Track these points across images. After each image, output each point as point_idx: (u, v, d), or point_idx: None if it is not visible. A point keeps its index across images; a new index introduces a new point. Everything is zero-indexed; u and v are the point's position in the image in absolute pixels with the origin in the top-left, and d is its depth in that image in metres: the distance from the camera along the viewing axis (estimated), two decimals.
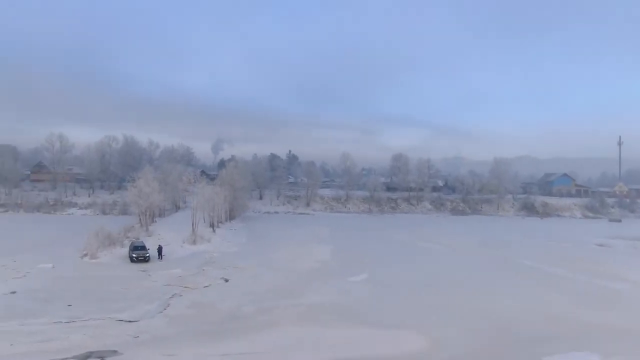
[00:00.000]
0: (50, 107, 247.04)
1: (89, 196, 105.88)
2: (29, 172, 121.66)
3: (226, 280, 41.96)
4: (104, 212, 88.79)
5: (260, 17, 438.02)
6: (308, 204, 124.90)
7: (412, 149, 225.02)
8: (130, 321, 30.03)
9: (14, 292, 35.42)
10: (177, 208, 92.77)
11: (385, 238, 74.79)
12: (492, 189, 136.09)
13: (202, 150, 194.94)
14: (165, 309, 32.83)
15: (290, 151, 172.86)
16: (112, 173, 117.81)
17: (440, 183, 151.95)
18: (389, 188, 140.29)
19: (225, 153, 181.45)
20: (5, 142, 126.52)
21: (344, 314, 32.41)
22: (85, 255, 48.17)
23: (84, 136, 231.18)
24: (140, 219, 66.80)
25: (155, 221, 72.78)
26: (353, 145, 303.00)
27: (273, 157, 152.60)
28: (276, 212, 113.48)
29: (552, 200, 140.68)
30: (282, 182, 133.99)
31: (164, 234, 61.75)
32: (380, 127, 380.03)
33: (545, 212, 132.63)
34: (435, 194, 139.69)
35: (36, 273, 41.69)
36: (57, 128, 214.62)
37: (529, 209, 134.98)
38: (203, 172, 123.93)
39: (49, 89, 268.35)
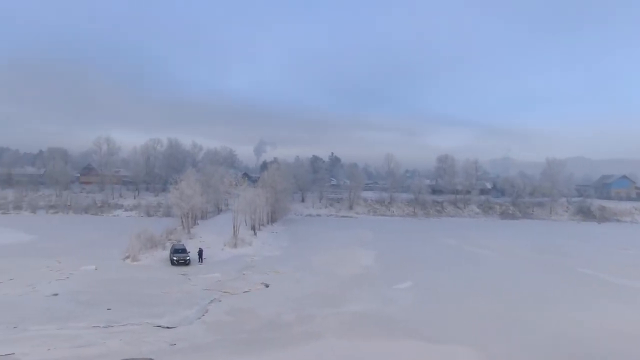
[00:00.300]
0: (99, 112, 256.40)
1: (135, 198, 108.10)
2: (79, 175, 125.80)
3: (266, 286, 40.88)
4: (148, 214, 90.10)
5: (302, 18, 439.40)
6: (351, 207, 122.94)
7: (458, 150, 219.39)
8: (168, 327, 29.46)
9: (56, 294, 35.56)
10: (219, 210, 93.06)
11: (431, 242, 71.95)
12: (545, 192, 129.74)
13: (245, 152, 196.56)
14: (203, 315, 32.10)
15: (332, 153, 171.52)
16: (156, 175, 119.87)
17: (489, 185, 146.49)
18: (435, 190, 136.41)
19: (268, 155, 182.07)
20: (56, 145, 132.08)
21: (389, 325, 30.54)
22: (127, 257, 48.26)
23: (130, 139, 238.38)
24: (182, 221, 66.93)
25: (198, 223, 72.86)
26: (397, 147, 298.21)
27: (315, 159, 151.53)
28: (318, 215, 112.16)
29: (611, 204, 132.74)
30: (325, 184, 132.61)
31: (205, 237, 61.54)
32: (425, 128, 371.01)
33: (603, 217, 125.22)
34: (483, 197, 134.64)
35: (79, 275, 41.93)
36: (105, 131, 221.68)
37: (585, 213, 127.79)
38: (245, 175, 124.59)
39: (99, 94, 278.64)
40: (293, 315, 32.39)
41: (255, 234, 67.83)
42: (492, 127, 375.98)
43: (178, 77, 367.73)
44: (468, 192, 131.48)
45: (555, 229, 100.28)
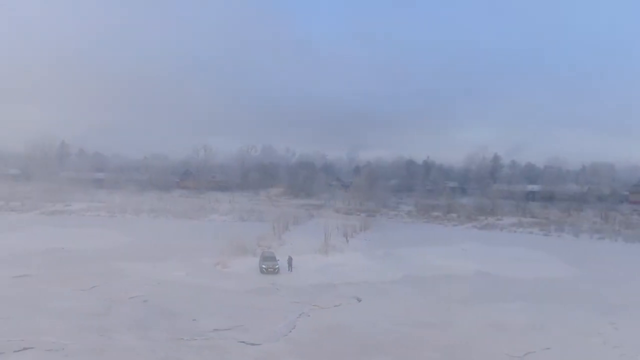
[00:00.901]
0: (197, 119, 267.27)
1: (229, 202, 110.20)
2: (178, 180, 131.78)
3: (359, 300, 37.67)
4: (242, 219, 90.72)
5: (394, 19, 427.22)
6: (448, 213, 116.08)
7: (573, 153, 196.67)
8: (252, 344, 27.38)
9: (145, 301, 35.15)
10: (311, 216, 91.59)
11: (544, 254, 63.61)
12: None
13: (338, 156, 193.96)
14: (290, 332, 29.76)
15: (428, 156, 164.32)
16: (251, 180, 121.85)
17: (609, 192, 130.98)
18: (544, 197, 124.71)
19: (361, 159, 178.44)
20: (158, 152, 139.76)
21: (498, 354, 25.89)
22: (218, 264, 47.55)
23: (226, 145, 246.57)
24: (273, 227, 65.85)
25: (289, 229, 71.50)
26: (499, 149, 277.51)
27: (409, 162, 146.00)
28: (413, 222, 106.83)
29: None
30: (420, 189, 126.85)
31: (296, 243, 59.74)
32: (532, 127, 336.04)
33: None
34: (602, 205, 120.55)
35: (170, 281, 41.54)
36: (203, 138, 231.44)
37: None
38: (338, 179, 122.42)
39: (197, 102, 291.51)
40: (388, 337, 29.03)
41: (347, 241, 64.84)
42: (617, 126, 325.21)
43: (273, 82, 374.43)
44: (584, 199, 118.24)
45: None
